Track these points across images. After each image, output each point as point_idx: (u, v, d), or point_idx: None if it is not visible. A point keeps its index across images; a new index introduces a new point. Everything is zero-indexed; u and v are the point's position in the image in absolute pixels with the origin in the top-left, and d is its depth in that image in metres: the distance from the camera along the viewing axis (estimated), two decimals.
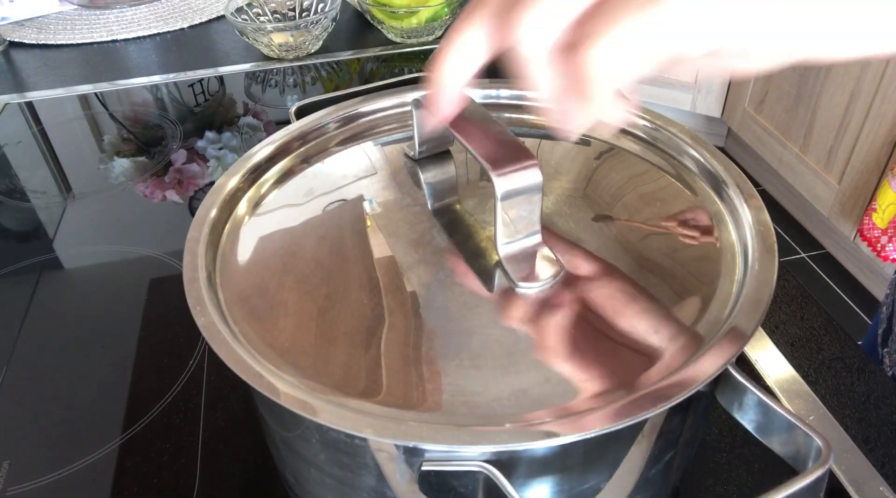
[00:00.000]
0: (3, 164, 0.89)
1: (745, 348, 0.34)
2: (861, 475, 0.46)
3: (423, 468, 0.31)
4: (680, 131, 0.50)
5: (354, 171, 0.51)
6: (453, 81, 0.34)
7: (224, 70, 1.05)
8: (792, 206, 2.16)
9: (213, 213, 0.45)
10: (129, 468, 0.50)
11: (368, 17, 1.07)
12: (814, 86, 1.86)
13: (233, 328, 0.37)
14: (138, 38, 1.16)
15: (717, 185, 0.46)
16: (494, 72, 1.01)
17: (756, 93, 2.11)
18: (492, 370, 0.35)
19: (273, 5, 1.11)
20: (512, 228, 0.40)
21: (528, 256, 0.40)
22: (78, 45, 1.14)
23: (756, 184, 2.40)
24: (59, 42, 1.14)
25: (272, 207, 0.48)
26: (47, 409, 0.56)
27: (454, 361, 0.36)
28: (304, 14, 1.10)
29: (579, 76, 0.27)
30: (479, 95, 0.58)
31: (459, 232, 0.45)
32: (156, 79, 1.04)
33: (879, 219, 1.69)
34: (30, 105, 1.01)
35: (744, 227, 0.43)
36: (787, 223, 2.17)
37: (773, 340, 0.56)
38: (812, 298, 0.61)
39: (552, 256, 0.40)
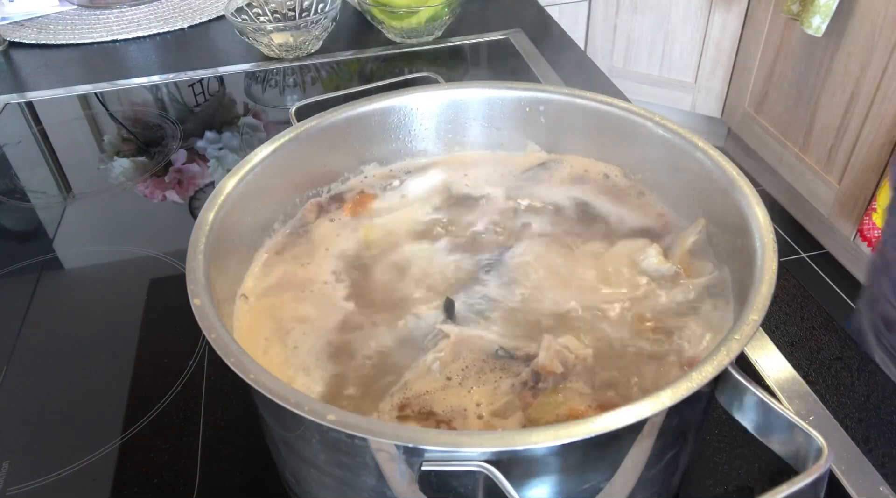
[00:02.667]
0: (3, 164, 0.89)
1: (745, 348, 0.34)
2: (861, 475, 0.46)
3: (423, 468, 0.31)
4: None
5: None
6: None
7: (224, 70, 1.05)
8: (792, 207, 2.16)
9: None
10: (129, 468, 0.50)
11: (368, 17, 1.07)
12: (814, 86, 1.86)
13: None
14: (138, 38, 1.16)
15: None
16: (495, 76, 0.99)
17: (756, 93, 2.11)
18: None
19: (273, 5, 1.10)
20: None
21: None
22: (78, 45, 1.14)
23: (756, 184, 2.38)
24: (59, 42, 1.14)
25: None
26: (47, 409, 0.56)
27: None
28: (304, 14, 1.10)
29: None
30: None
31: None
32: (156, 79, 1.04)
33: (879, 219, 1.69)
34: (30, 105, 1.01)
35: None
36: (787, 223, 2.17)
37: (773, 340, 0.56)
38: (812, 298, 0.61)
39: None
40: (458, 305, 0.47)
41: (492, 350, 0.43)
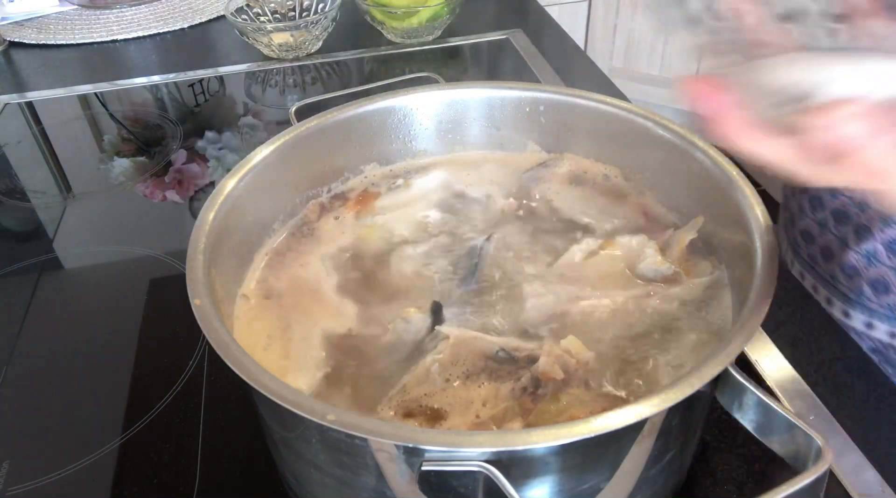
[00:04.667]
0: (3, 164, 0.89)
1: (745, 348, 0.34)
2: (861, 475, 0.46)
3: (423, 468, 0.31)
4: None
5: None
6: None
7: (224, 70, 1.05)
8: None
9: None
10: (129, 468, 0.50)
11: (368, 18, 1.07)
12: None
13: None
14: (138, 38, 1.16)
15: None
16: (495, 75, 0.99)
17: None
18: None
19: (273, 5, 1.10)
20: None
21: None
22: (78, 45, 1.14)
23: (756, 184, 2.36)
24: (59, 42, 1.14)
25: None
26: (47, 409, 0.56)
27: None
28: (304, 14, 1.10)
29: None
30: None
31: None
32: (156, 79, 1.04)
33: None
34: (30, 105, 1.01)
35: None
36: None
37: (773, 340, 0.56)
38: (812, 298, 0.61)
39: None
40: (457, 305, 0.47)
41: (492, 352, 0.43)
